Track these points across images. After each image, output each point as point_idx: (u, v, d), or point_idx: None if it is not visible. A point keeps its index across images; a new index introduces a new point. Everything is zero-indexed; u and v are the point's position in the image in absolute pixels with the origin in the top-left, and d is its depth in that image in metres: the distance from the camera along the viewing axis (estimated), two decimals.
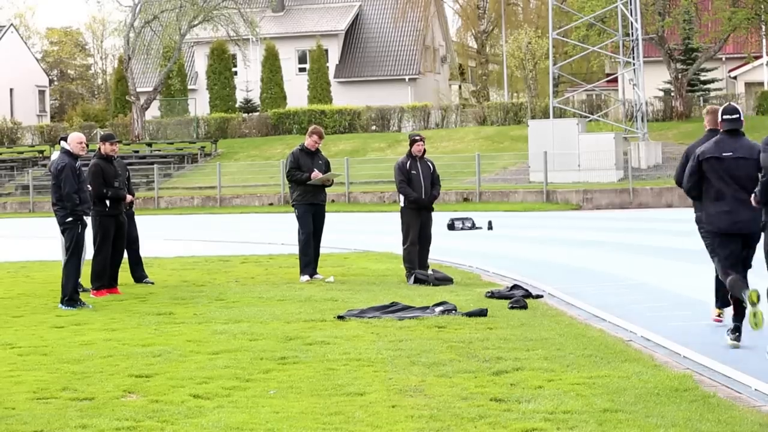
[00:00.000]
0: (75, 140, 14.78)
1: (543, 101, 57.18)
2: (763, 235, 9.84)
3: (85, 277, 15.72)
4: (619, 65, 51.09)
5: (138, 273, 17.36)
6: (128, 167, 17.18)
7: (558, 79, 55.70)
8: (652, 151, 46.62)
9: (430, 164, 17.26)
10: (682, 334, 11.19)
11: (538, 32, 61.41)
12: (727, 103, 10.96)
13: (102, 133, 17.69)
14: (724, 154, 10.58)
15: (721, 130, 10.74)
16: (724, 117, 10.64)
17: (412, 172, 16.98)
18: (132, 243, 17.16)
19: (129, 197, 16.44)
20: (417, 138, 17.21)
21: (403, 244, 17.22)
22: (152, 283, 17.07)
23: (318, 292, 15.19)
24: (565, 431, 7.26)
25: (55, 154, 15.48)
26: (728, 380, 8.89)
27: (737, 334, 10.48)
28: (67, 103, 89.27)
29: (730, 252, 10.60)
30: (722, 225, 10.59)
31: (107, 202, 15.73)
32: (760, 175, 9.78)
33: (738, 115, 10.64)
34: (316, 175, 16.97)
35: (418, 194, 16.87)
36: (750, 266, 10.76)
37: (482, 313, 12.59)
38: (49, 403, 8.35)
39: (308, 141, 17.20)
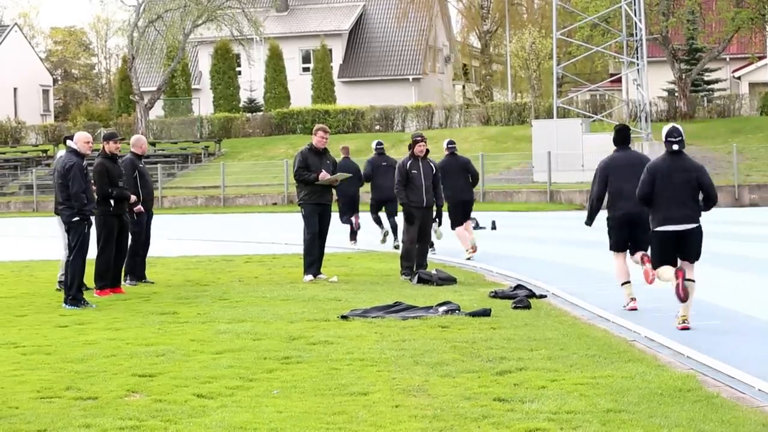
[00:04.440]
0: (82, 139, 14.76)
1: (547, 101, 57.15)
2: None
3: (89, 277, 15.73)
4: (622, 65, 51.03)
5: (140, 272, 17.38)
6: None
7: (562, 79, 55.65)
8: (656, 151, 46.32)
9: (432, 165, 17.24)
10: (686, 335, 11.18)
11: (541, 32, 61.38)
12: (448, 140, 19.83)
13: (105, 132, 17.66)
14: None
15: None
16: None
17: (413, 171, 16.97)
18: (145, 244, 17.24)
19: (133, 197, 16.43)
20: (419, 138, 17.16)
21: (403, 242, 17.25)
22: (152, 283, 17.08)
23: (321, 292, 15.19)
24: (569, 431, 7.26)
25: (60, 153, 15.47)
26: (732, 380, 8.88)
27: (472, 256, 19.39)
28: (71, 103, 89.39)
29: None
30: None
31: (111, 202, 15.73)
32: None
33: (454, 145, 19.81)
34: (324, 176, 16.94)
35: (418, 193, 16.88)
36: None
37: (486, 313, 12.59)
38: (53, 402, 8.35)
39: (315, 139, 17.14)
